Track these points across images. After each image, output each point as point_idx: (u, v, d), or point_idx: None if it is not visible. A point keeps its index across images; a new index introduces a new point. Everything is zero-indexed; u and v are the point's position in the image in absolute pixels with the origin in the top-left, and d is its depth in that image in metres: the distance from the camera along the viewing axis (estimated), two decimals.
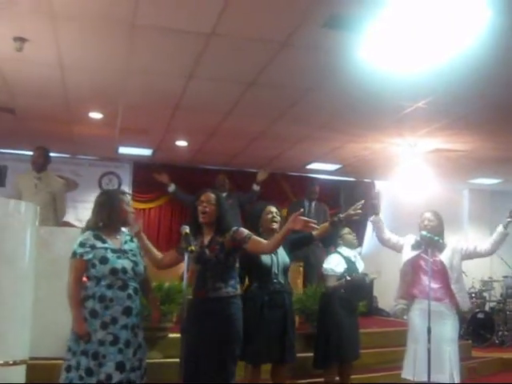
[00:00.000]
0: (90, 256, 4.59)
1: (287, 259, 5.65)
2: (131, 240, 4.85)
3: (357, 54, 6.23)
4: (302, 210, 4.95)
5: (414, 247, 6.07)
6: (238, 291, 4.96)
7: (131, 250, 4.75)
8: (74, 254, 4.63)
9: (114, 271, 4.55)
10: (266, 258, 5.49)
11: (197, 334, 4.65)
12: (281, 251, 5.56)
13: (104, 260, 4.57)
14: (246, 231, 4.90)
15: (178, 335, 5.01)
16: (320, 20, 5.57)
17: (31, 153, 8.44)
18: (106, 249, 4.63)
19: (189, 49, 6.36)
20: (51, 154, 8.44)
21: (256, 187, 9.58)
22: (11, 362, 5.51)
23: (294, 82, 7.32)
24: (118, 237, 4.77)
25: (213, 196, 5.03)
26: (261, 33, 5.96)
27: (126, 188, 12.46)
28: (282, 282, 5.58)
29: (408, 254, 6.09)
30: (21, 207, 5.77)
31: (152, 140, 10.80)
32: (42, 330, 5.94)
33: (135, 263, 4.68)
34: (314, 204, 10.35)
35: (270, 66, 6.73)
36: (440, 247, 6.01)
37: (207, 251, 4.83)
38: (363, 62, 6.44)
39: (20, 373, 5.62)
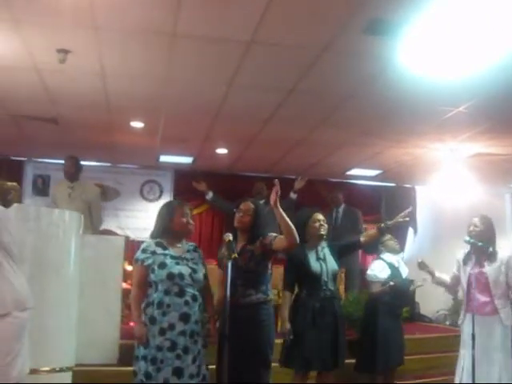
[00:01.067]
0: (150, 261, 4.72)
1: (336, 266, 5.66)
2: (195, 250, 4.93)
3: (397, 59, 6.20)
4: None
5: (465, 261, 5.96)
6: (268, 297, 5.01)
7: (192, 259, 4.82)
8: (136, 260, 4.79)
9: (170, 276, 4.64)
10: (315, 266, 5.52)
11: (229, 340, 4.67)
12: (329, 258, 5.59)
13: (162, 265, 4.70)
14: (273, 234, 4.98)
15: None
16: (360, 26, 5.56)
17: None
18: (165, 255, 4.76)
19: (229, 57, 6.40)
20: (93, 164, 8.55)
21: (293, 195, 9.59)
22: (57, 369, 5.63)
23: (334, 89, 7.30)
24: (180, 245, 4.88)
25: (252, 206, 5.09)
26: (300, 40, 5.96)
27: (168, 196, 12.53)
28: (332, 288, 5.60)
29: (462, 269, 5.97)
30: (65, 216, 5.89)
31: (192, 148, 10.86)
32: (87, 337, 6.04)
33: (194, 270, 4.76)
34: (341, 209, 10.31)
35: (309, 72, 6.73)
36: (489, 255, 5.83)
37: (239, 259, 4.86)
38: (403, 68, 6.41)
39: (66, 379, 5.74)
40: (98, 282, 6.24)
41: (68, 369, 5.79)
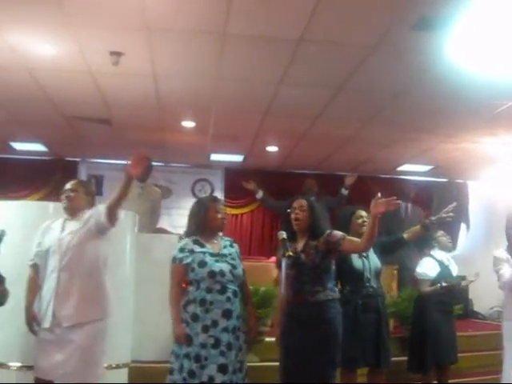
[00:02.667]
0: (189, 260, 4.72)
1: (379, 263, 5.62)
2: (231, 245, 4.95)
3: (446, 54, 6.16)
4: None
5: None
6: (336, 294, 4.95)
7: (230, 254, 4.84)
8: (174, 259, 4.78)
9: (212, 274, 4.64)
10: (357, 263, 5.49)
11: (296, 338, 4.68)
12: (372, 255, 5.56)
13: (202, 263, 4.69)
14: (339, 233, 4.91)
15: (274, 339, 5.06)
16: (408, 22, 5.55)
17: (125, 162, 8.60)
18: (204, 253, 4.75)
19: (278, 55, 6.44)
20: None
21: (344, 191, 9.55)
22: (114, 366, 5.71)
23: (384, 85, 7.29)
24: (216, 241, 4.89)
25: (305, 202, 5.07)
26: (350, 37, 5.97)
27: (219, 194, 12.60)
28: (375, 286, 5.55)
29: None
30: (120, 215, 5.98)
31: (243, 146, 10.93)
32: (143, 334, 6.12)
33: (233, 266, 4.76)
34: (409, 206, 10.21)
35: (359, 69, 6.73)
36: None
37: (302, 256, 4.85)
38: (454, 62, 6.35)
39: (122, 376, 5.82)
40: (154, 279, 6.29)
41: (124, 365, 5.87)
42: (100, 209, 4.61)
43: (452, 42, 5.88)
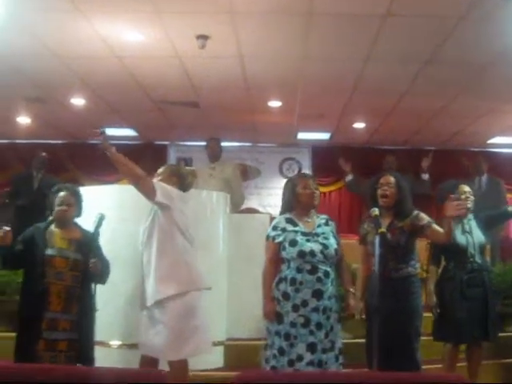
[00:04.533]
0: (281, 239, 4.71)
1: (483, 238, 5.51)
2: (326, 223, 4.92)
3: None
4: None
5: None
6: (417, 270, 4.95)
7: (323, 233, 4.80)
8: (268, 236, 4.79)
9: (301, 254, 4.62)
10: (461, 239, 5.40)
11: (380, 311, 4.67)
12: (475, 231, 5.46)
13: (293, 243, 4.65)
14: (426, 218, 4.85)
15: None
16: None
17: None
18: (296, 232, 4.71)
19: (365, 31, 6.39)
20: (234, 144, 8.71)
21: (424, 176, 9.27)
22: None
23: (474, 57, 7.12)
24: (310, 220, 4.84)
25: (392, 179, 5.01)
26: (437, 9, 5.85)
27: (306, 172, 12.60)
28: (479, 261, 5.46)
29: None
30: (212, 196, 6.09)
31: (329, 124, 10.89)
32: (237, 313, 6.20)
33: (325, 246, 4.68)
34: (484, 179, 9.93)
35: (447, 42, 6.60)
36: None
37: (388, 235, 4.82)
38: None
39: (218, 353, 5.94)
40: (246, 258, 6.38)
41: (220, 343, 6.00)
42: None
43: None
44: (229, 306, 6.13)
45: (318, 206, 4.92)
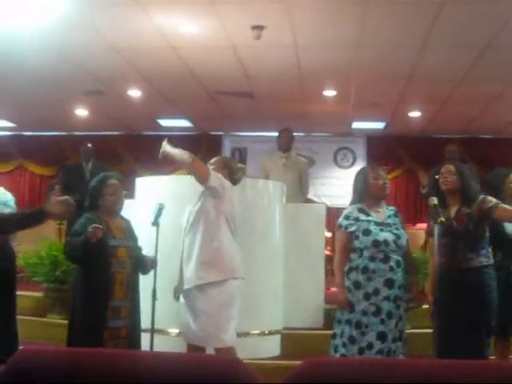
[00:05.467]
0: (354, 228, 4.73)
1: None
2: (395, 215, 4.92)
3: None
4: None
5: None
6: (490, 261, 4.83)
7: (395, 224, 4.82)
8: (340, 225, 4.82)
9: (376, 243, 4.65)
10: (509, 229, 5.33)
11: (450, 305, 4.63)
12: None
13: (367, 232, 4.69)
14: (493, 200, 4.74)
15: (426, 306, 5.03)
16: None
17: (267, 134, 8.76)
18: (369, 221, 4.74)
19: (421, 18, 6.32)
20: None
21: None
22: (267, 332, 5.89)
23: None
24: (381, 210, 4.86)
25: (452, 167, 4.96)
26: None
27: (361, 162, 12.58)
28: None
29: None
30: (269, 186, 6.13)
31: (384, 113, 10.81)
32: (293, 302, 6.24)
33: (397, 236, 4.72)
34: None
35: (505, 27, 6.48)
36: None
37: (455, 223, 4.77)
38: None
39: (275, 342, 5.99)
40: (302, 248, 6.41)
41: (276, 332, 6.04)
42: None
43: None
44: (285, 295, 6.16)
45: (387, 197, 4.97)
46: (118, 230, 4.68)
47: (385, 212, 4.87)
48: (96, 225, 4.38)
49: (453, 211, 4.81)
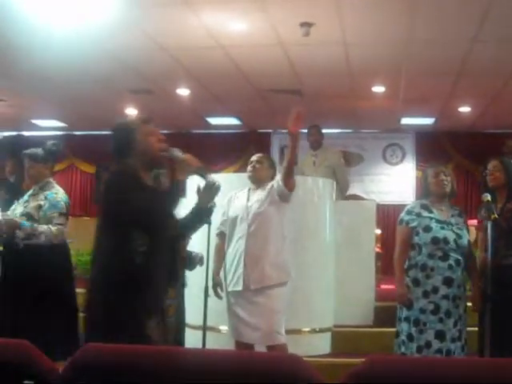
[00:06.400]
0: (415, 224, 4.72)
1: None
2: (459, 215, 4.86)
3: None
4: None
5: None
6: None
7: (457, 224, 4.77)
8: (401, 221, 4.82)
9: (435, 240, 4.62)
10: None
11: (493, 302, 4.57)
12: None
13: (427, 229, 4.66)
14: None
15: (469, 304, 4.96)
16: None
17: None
18: (430, 218, 4.71)
19: (472, 12, 6.22)
20: (336, 131, 8.69)
21: None
22: (317, 330, 5.89)
23: None
24: (444, 208, 4.81)
25: (497, 162, 4.92)
26: None
27: (410, 158, 12.50)
28: None
29: None
30: (319, 183, 6.13)
31: (434, 108, 10.68)
32: (343, 299, 6.23)
33: (458, 235, 4.67)
34: None
35: None
36: None
37: (500, 219, 4.71)
38: None
39: (326, 340, 5.98)
40: (353, 245, 6.40)
41: (327, 329, 6.03)
42: (278, 178, 4.79)
43: None
44: (335, 293, 6.15)
45: (449, 195, 4.90)
46: None
47: (448, 211, 4.83)
48: None
49: (498, 207, 4.76)
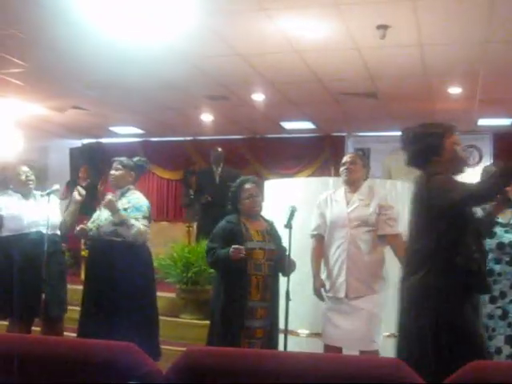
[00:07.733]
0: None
1: None
2: None
3: None
4: None
5: None
6: None
7: None
8: None
9: (500, 245, 4.57)
10: None
11: None
12: None
13: (491, 234, 4.61)
14: None
15: None
16: None
17: (391, 134, 8.64)
18: (496, 223, 4.67)
19: None
20: None
21: None
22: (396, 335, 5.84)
23: None
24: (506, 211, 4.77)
25: None
26: None
27: (487, 160, 12.25)
28: None
29: None
30: (397, 186, 6.10)
31: (511, 109, 10.48)
32: None
33: None
34: None
35: None
36: None
37: None
38: None
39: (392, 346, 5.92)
40: None
41: (393, 335, 5.97)
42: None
43: None
44: None
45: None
46: (255, 233, 4.80)
47: (509, 213, 4.75)
48: (238, 246, 4.54)
49: None
